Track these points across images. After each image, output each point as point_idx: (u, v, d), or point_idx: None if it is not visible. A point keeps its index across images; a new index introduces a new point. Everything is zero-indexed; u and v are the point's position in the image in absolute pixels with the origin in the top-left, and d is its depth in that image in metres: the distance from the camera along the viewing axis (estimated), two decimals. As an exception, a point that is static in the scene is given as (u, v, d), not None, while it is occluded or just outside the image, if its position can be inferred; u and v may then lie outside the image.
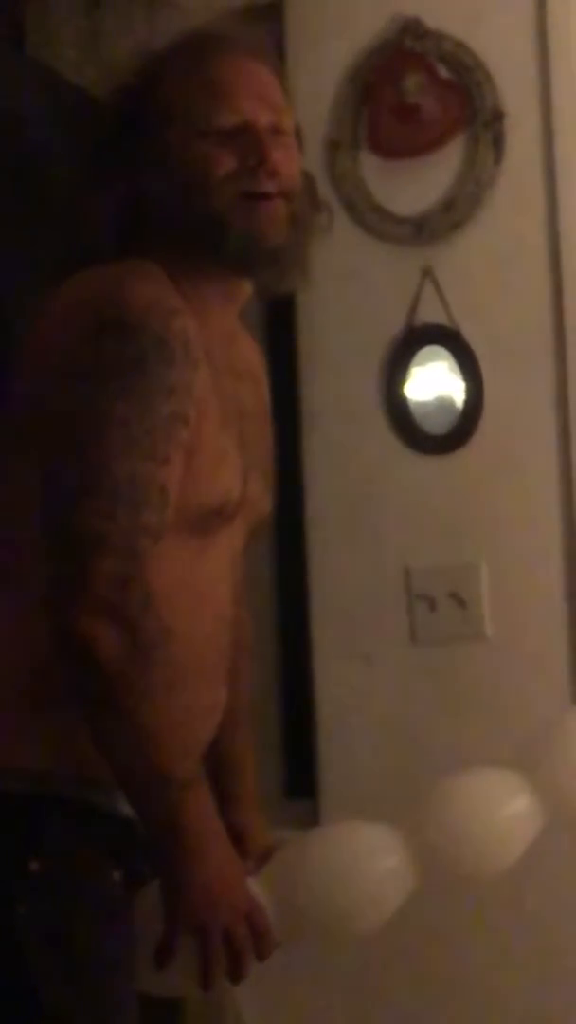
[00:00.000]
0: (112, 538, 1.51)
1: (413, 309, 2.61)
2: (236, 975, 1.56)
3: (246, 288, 1.74)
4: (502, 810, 1.71)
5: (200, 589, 1.65)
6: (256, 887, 1.61)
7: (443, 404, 2.62)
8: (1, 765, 1.58)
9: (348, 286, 2.63)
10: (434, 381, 2.62)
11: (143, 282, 1.60)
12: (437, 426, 2.61)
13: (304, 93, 2.40)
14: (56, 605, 1.52)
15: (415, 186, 2.62)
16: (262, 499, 1.80)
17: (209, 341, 1.65)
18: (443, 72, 2.61)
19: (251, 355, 1.85)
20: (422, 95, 2.61)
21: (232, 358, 1.74)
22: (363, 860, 1.66)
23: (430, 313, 2.60)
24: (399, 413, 2.63)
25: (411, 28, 2.62)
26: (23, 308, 1.75)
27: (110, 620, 1.49)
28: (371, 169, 2.66)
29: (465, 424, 2.59)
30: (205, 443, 1.61)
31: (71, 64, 2.65)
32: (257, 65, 1.72)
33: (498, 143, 2.58)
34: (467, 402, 2.59)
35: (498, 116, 2.58)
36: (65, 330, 1.60)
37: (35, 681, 1.59)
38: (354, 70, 2.66)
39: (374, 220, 2.64)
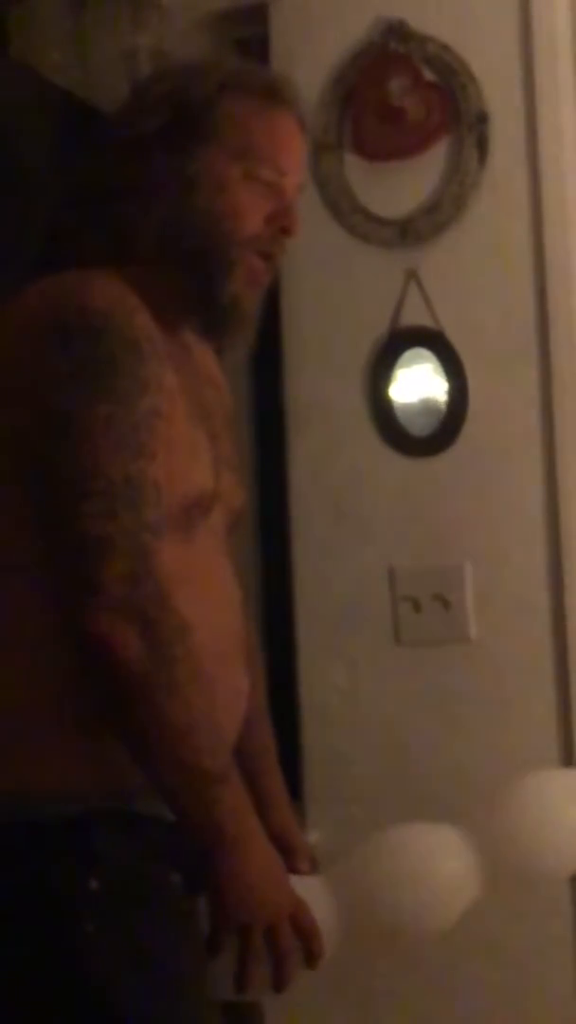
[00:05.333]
0: (118, 539, 1.50)
1: (397, 311, 2.62)
2: (280, 981, 1.53)
3: None
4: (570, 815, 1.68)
5: (198, 579, 1.64)
6: (318, 890, 1.57)
7: (428, 406, 2.62)
8: (47, 789, 1.56)
9: (332, 288, 2.63)
10: (419, 383, 2.62)
11: (101, 284, 1.60)
12: (422, 428, 2.61)
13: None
14: (71, 613, 1.51)
15: (399, 188, 2.62)
16: (235, 492, 1.80)
17: (169, 344, 1.66)
18: (428, 74, 2.61)
19: (210, 362, 1.85)
20: (407, 97, 2.61)
21: (192, 363, 1.75)
22: (431, 863, 1.63)
23: (414, 315, 2.61)
24: (384, 415, 2.63)
25: (396, 30, 2.62)
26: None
27: (127, 621, 1.48)
28: (355, 171, 2.65)
29: (450, 426, 2.60)
30: (178, 436, 1.61)
31: (55, 66, 2.65)
32: (301, 132, 1.75)
33: (482, 145, 2.58)
34: (451, 404, 2.59)
35: (482, 118, 2.58)
36: (29, 341, 1.58)
37: (64, 701, 1.57)
38: (339, 72, 2.65)
39: (358, 222, 2.64)
